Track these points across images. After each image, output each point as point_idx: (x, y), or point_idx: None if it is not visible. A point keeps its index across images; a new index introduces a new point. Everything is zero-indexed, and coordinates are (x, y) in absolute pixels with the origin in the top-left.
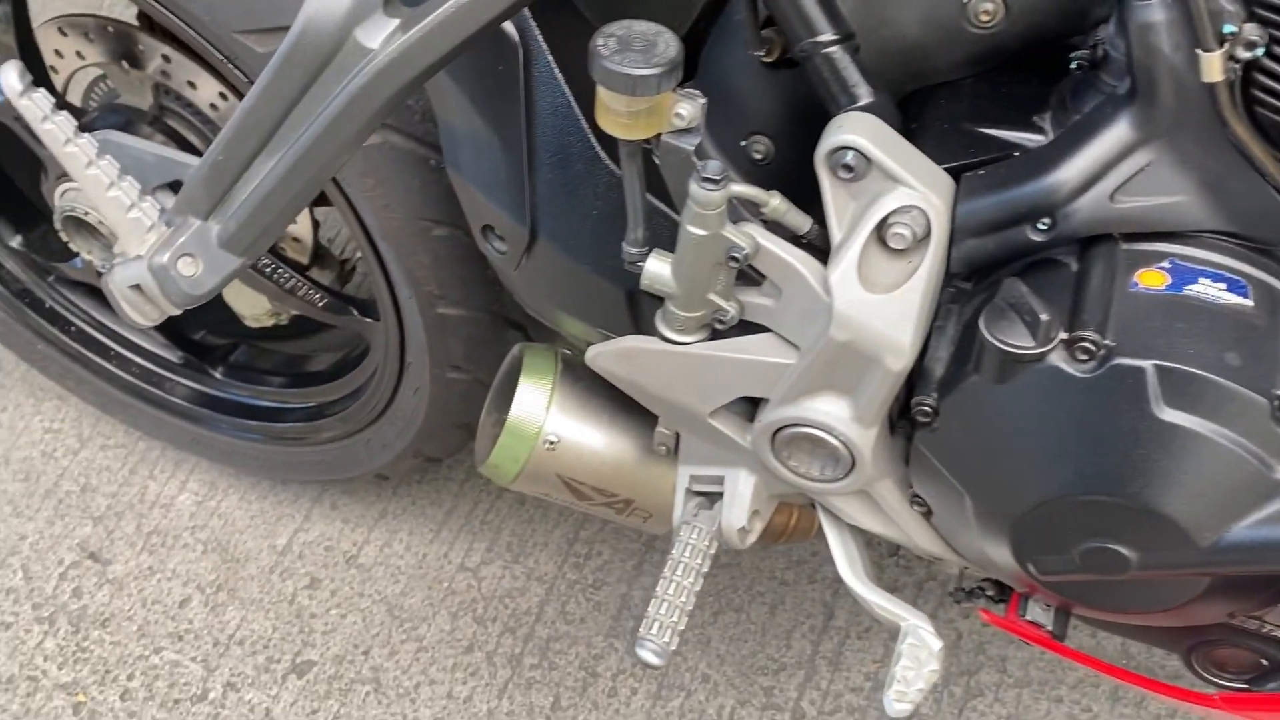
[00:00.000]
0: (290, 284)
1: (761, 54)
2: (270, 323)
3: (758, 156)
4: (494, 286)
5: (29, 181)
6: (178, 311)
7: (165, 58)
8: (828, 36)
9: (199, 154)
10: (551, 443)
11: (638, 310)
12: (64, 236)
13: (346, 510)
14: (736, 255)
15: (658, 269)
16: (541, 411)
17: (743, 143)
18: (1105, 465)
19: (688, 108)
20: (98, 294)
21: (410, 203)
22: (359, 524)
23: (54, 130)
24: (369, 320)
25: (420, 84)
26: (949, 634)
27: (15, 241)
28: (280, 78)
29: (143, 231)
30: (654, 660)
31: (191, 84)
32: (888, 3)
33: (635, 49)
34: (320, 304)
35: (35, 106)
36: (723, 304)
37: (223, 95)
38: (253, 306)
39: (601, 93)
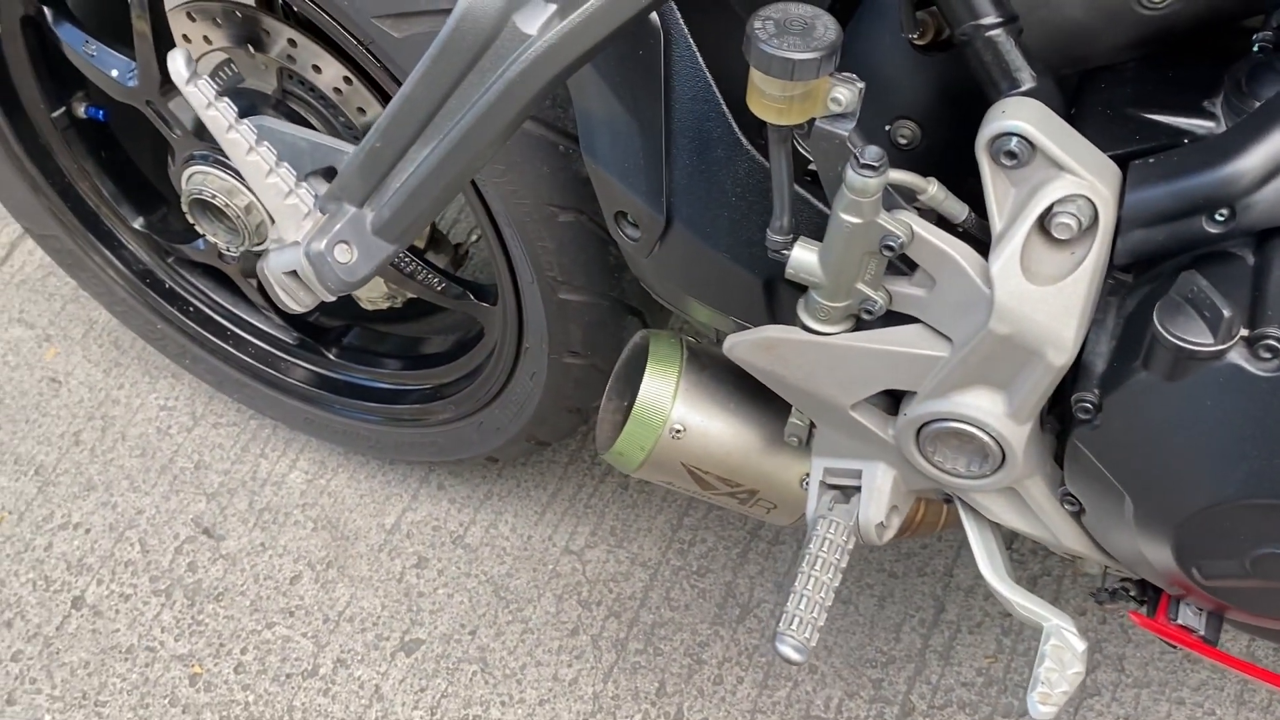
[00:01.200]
0: (410, 268)
1: (914, 36)
2: (385, 305)
3: (903, 141)
4: (615, 273)
5: (152, 165)
6: (332, 298)
7: (291, 42)
8: (991, 19)
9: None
10: (678, 431)
11: (775, 299)
12: (190, 219)
13: (453, 491)
14: (891, 244)
15: (805, 257)
16: (668, 400)
17: (888, 127)
18: None
19: (845, 93)
20: (217, 275)
21: (538, 188)
22: (465, 505)
23: (217, 117)
24: (485, 305)
25: (576, 69)
26: None
27: (138, 223)
28: (438, 65)
29: (299, 218)
30: (795, 656)
31: (316, 68)
32: None
33: (794, 32)
34: (439, 288)
35: (200, 94)
36: (871, 294)
37: (347, 79)
38: (369, 289)
39: (755, 76)
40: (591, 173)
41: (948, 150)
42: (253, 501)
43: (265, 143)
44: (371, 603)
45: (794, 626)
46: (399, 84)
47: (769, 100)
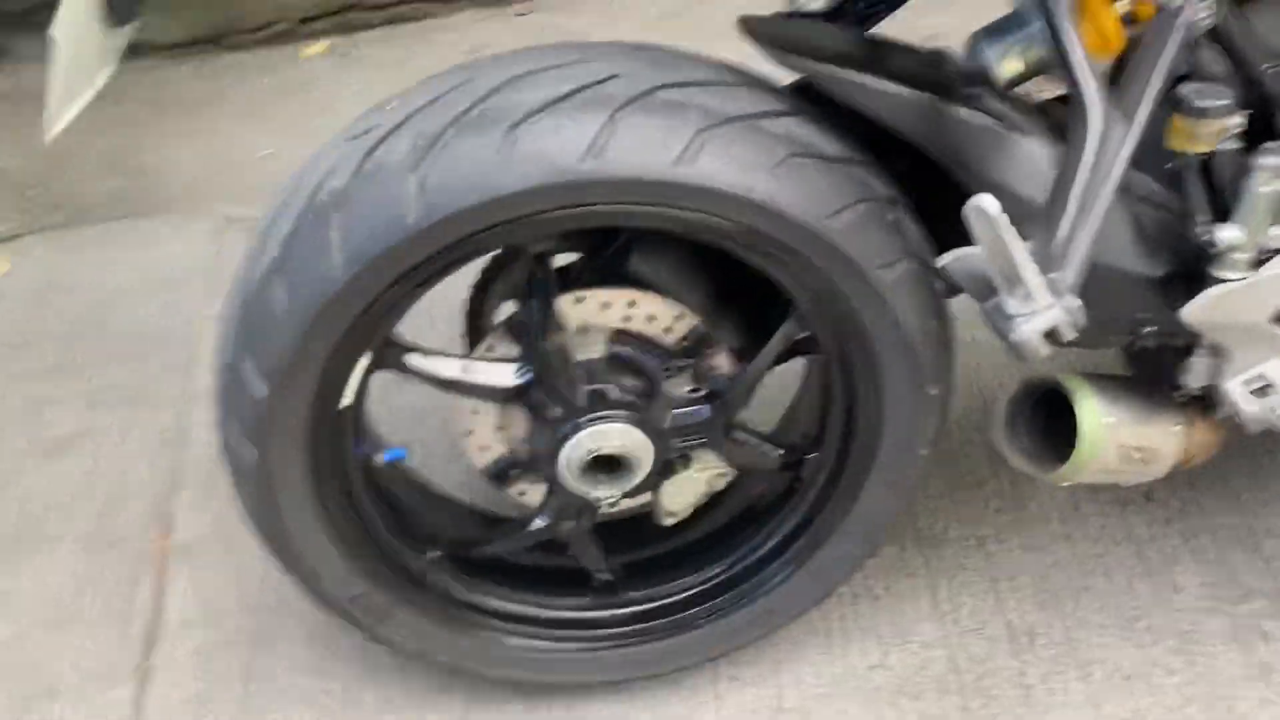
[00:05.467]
0: (754, 444)
1: None
2: (688, 513)
3: None
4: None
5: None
6: (1073, 336)
7: (631, 303)
8: None
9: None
10: (1109, 423)
11: (1168, 284)
12: (574, 485)
13: (745, 676)
14: None
15: (1230, 232)
16: (1095, 404)
17: None
18: None
19: (1238, 119)
20: (507, 569)
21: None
22: (765, 682)
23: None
24: (810, 456)
25: None
26: None
27: (430, 554)
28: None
29: (1042, 289)
30: None
31: (651, 317)
32: None
33: (1208, 95)
34: (776, 457)
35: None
36: (1268, 241)
37: (678, 316)
38: (685, 496)
39: (1183, 123)
40: None
41: None
42: None
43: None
44: None
45: None
46: None
47: (1193, 136)
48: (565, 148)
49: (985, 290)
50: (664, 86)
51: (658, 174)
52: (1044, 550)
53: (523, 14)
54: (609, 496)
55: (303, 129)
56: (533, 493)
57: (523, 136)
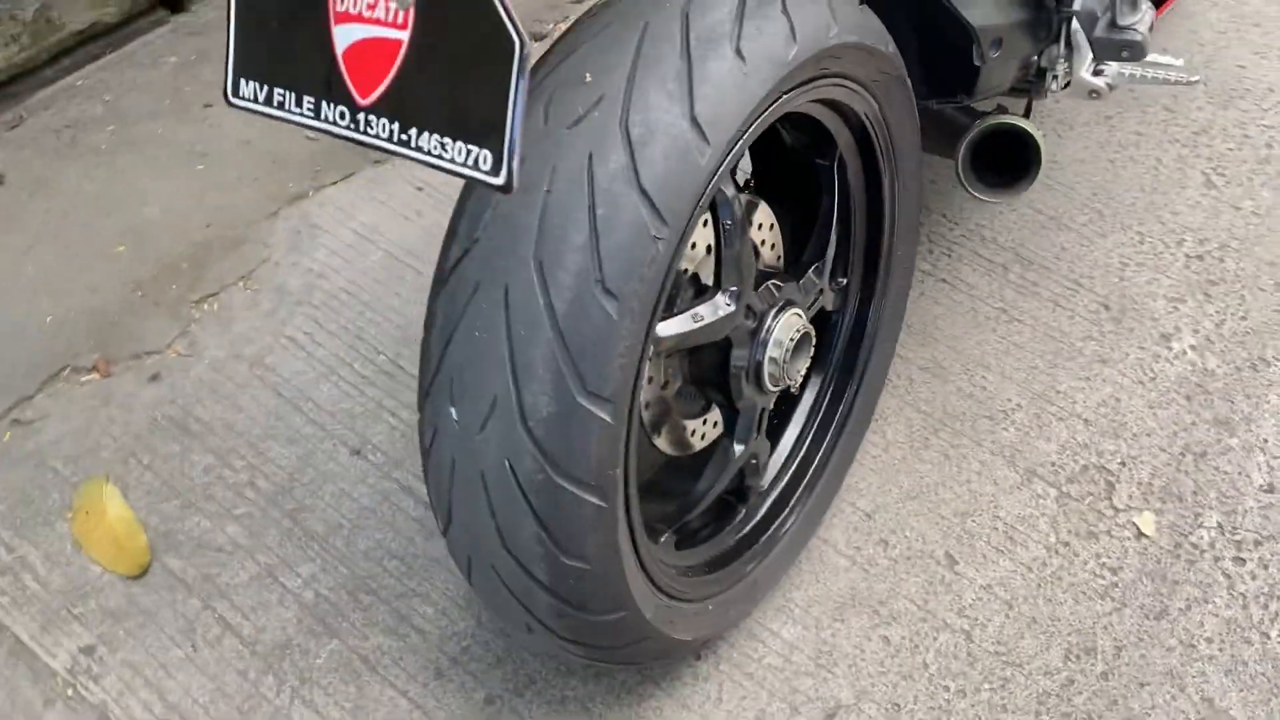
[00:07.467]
0: (836, 285)
1: None
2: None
3: None
4: None
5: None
6: None
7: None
8: None
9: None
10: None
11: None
12: (781, 374)
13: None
14: None
15: None
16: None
17: None
18: None
19: None
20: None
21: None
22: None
23: None
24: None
25: None
26: None
27: (666, 538)
28: None
29: None
30: None
31: None
32: None
33: None
34: (842, 285)
35: None
36: None
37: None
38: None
39: None
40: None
41: None
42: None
43: None
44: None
45: None
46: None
47: None
48: None
49: (1095, 19)
50: None
51: None
52: (952, 318)
53: None
54: (799, 374)
55: None
56: (663, 442)
57: None
